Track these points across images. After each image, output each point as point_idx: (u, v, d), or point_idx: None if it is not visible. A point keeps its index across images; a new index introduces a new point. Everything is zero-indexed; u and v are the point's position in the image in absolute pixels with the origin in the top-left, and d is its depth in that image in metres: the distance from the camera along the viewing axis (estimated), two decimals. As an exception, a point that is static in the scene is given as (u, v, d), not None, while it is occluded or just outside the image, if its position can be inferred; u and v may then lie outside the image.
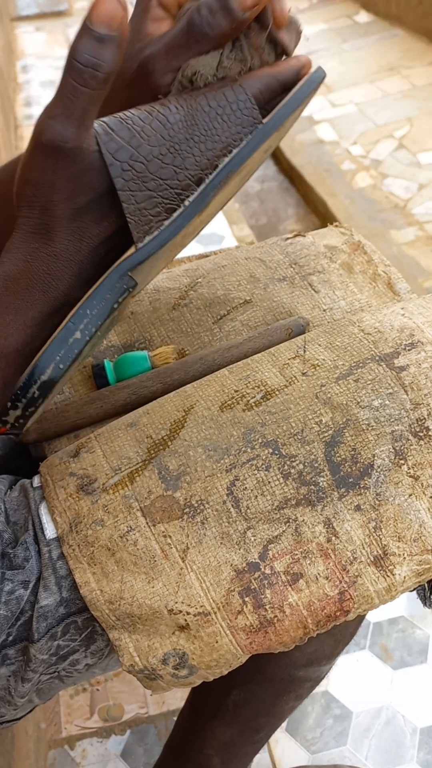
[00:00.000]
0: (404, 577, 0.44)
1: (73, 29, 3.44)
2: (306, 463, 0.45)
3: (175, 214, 0.41)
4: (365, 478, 0.44)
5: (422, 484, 0.44)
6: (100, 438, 0.49)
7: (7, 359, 0.40)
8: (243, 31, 0.42)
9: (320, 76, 0.43)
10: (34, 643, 0.45)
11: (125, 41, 0.36)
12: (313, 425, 0.46)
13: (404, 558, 0.44)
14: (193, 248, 1.65)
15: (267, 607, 0.43)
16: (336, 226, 0.68)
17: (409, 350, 0.48)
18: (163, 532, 0.44)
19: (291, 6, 0.43)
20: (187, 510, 0.44)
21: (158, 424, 0.48)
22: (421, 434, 0.45)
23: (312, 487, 0.44)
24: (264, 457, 0.45)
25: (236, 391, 0.48)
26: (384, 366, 0.48)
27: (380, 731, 0.94)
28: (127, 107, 0.42)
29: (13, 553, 0.46)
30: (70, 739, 0.98)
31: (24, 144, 2.48)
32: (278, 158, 2.24)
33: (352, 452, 0.45)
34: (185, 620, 0.43)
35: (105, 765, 0.95)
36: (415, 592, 0.53)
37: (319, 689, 0.98)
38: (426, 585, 0.53)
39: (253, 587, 0.43)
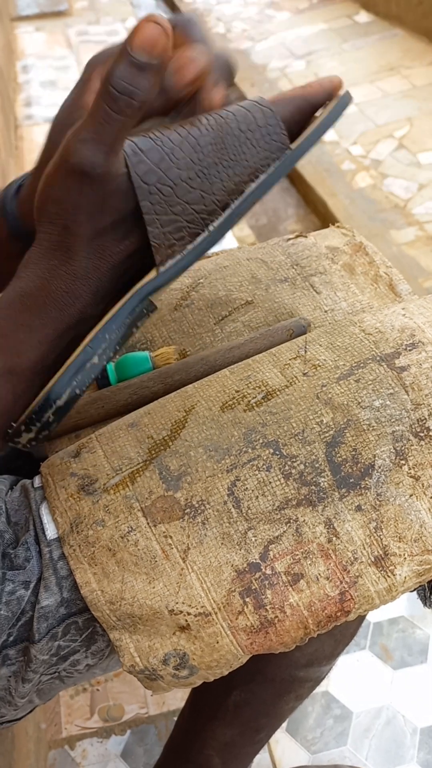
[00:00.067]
0: (405, 578, 0.44)
1: (73, 29, 3.44)
2: (307, 464, 0.45)
3: (198, 239, 0.40)
4: (366, 479, 0.44)
5: (423, 484, 0.45)
6: (101, 438, 0.49)
7: (19, 377, 0.39)
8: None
9: (349, 99, 0.42)
10: (35, 644, 0.45)
11: (165, 68, 0.35)
12: (314, 425, 0.46)
13: (405, 558, 0.44)
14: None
15: (268, 607, 0.43)
16: (338, 227, 0.68)
17: (410, 350, 0.48)
18: (164, 532, 0.44)
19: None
20: (188, 510, 0.44)
21: (159, 424, 0.48)
22: (421, 434, 0.45)
23: (313, 487, 0.44)
24: (265, 457, 0.45)
25: (237, 392, 0.48)
26: (385, 366, 0.48)
27: (380, 731, 0.94)
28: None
29: (14, 554, 0.46)
30: (71, 739, 0.98)
31: (24, 144, 2.48)
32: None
33: (353, 452, 0.45)
34: (186, 621, 0.43)
35: (105, 765, 0.95)
36: (415, 592, 0.53)
37: (319, 689, 0.98)
38: (426, 585, 0.53)
39: (253, 588, 0.43)
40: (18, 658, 0.46)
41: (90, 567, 0.45)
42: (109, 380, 0.57)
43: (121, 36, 3.31)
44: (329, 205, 1.88)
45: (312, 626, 0.44)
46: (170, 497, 0.45)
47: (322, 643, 0.63)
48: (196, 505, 0.45)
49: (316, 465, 0.45)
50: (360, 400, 0.46)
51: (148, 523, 0.45)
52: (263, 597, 0.43)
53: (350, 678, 1.00)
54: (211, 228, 0.40)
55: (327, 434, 0.45)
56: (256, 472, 0.45)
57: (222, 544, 0.44)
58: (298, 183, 2.11)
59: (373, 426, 0.45)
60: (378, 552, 0.44)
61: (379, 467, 0.45)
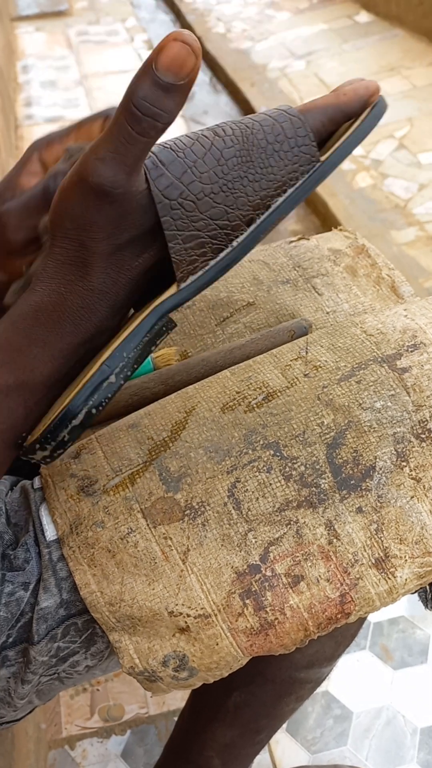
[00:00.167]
0: (406, 580, 0.44)
1: (73, 29, 3.44)
2: (307, 465, 0.45)
3: (221, 254, 0.38)
4: (367, 480, 0.44)
5: (424, 486, 0.44)
6: (101, 439, 0.49)
7: (32, 391, 0.38)
8: None
9: (384, 108, 0.40)
10: (34, 645, 0.45)
11: (191, 87, 0.33)
12: (315, 427, 0.46)
13: (406, 560, 0.44)
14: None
15: (268, 609, 0.43)
16: (340, 230, 0.67)
17: (411, 352, 0.48)
18: (164, 533, 0.44)
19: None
20: (188, 512, 0.44)
21: (159, 425, 0.48)
22: (423, 436, 0.45)
23: (313, 489, 0.44)
24: (265, 458, 0.45)
25: (238, 393, 0.48)
26: (386, 367, 0.48)
27: (380, 731, 0.94)
28: None
29: (14, 555, 0.46)
30: (71, 739, 0.98)
31: (24, 144, 2.48)
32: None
33: (354, 454, 0.45)
34: (185, 622, 0.43)
35: (105, 765, 0.95)
36: (416, 594, 0.53)
37: (319, 689, 0.98)
38: (427, 587, 0.53)
39: (253, 589, 0.43)
40: (17, 659, 0.46)
41: (89, 568, 0.44)
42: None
43: (121, 36, 3.31)
44: (329, 205, 1.88)
45: (312, 628, 0.44)
46: (170, 499, 0.45)
47: (323, 644, 0.63)
48: (196, 507, 0.44)
49: (317, 466, 0.45)
50: (361, 402, 0.46)
51: (147, 525, 0.44)
52: (263, 599, 0.43)
53: (350, 678, 1.00)
54: (234, 243, 0.38)
55: (328, 436, 0.45)
56: (257, 473, 0.45)
57: (222, 545, 0.44)
58: (298, 183, 2.10)
59: (374, 427, 0.45)
60: (379, 554, 0.44)
61: (380, 469, 0.44)
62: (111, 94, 2.73)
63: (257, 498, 0.44)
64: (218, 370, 0.54)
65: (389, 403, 0.46)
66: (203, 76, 2.85)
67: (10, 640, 0.45)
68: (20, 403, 0.38)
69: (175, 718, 0.94)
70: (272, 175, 0.38)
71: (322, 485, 0.44)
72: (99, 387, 0.36)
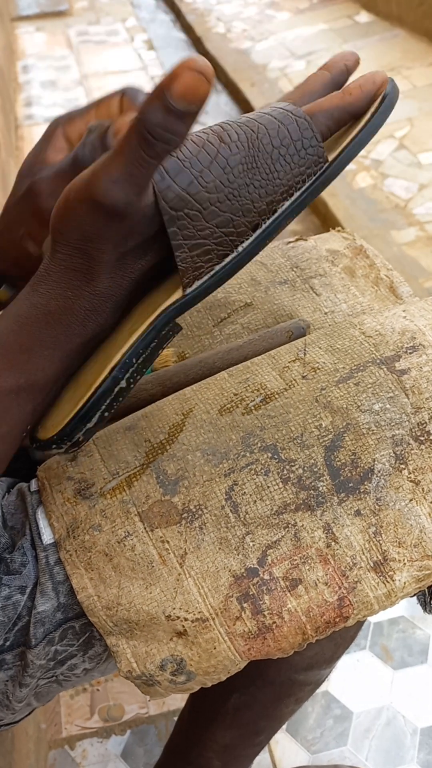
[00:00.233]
0: (404, 583, 0.44)
1: (73, 29, 3.44)
2: (305, 468, 0.44)
3: (227, 259, 0.38)
4: (365, 483, 0.44)
5: (423, 488, 0.44)
6: (98, 441, 0.49)
7: (40, 390, 0.40)
8: None
9: (394, 99, 0.39)
10: (32, 649, 0.45)
11: (203, 108, 0.33)
12: (313, 429, 0.45)
13: (404, 564, 0.43)
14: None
15: (265, 613, 0.43)
16: (338, 230, 0.67)
17: (410, 353, 0.48)
18: (161, 537, 0.44)
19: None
20: (186, 515, 0.44)
21: (157, 427, 0.48)
22: (422, 438, 0.45)
23: (311, 491, 0.44)
24: (263, 461, 0.45)
25: (235, 395, 0.48)
26: (385, 369, 0.47)
27: (381, 732, 0.94)
28: (13, 225, 0.43)
29: (10, 558, 0.45)
30: (71, 739, 0.97)
31: (24, 144, 2.48)
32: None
33: (352, 456, 0.45)
34: (183, 626, 0.43)
35: (105, 765, 0.95)
36: (415, 597, 0.53)
37: (319, 690, 0.98)
38: (426, 591, 0.53)
39: (251, 593, 0.43)
40: (15, 662, 0.46)
41: (86, 572, 0.44)
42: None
43: (121, 36, 3.31)
44: (330, 206, 1.88)
45: (310, 632, 0.43)
46: (167, 502, 0.45)
47: (322, 646, 0.63)
48: (194, 510, 0.44)
49: (315, 469, 0.44)
50: (359, 404, 0.46)
51: (145, 528, 0.44)
52: (261, 602, 0.43)
53: (350, 678, 0.99)
54: (240, 248, 0.38)
55: (326, 438, 0.45)
56: (254, 476, 0.45)
57: (219, 549, 0.43)
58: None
59: (372, 430, 0.45)
60: (377, 557, 0.43)
61: (379, 471, 0.44)
62: (111, 94, 2.72)
63: (255, 501, 0.44)
64: (216, 372, 0.53)
65: (388, 405, 0.46)
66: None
67: (8, 643, 0.45)
68: (29, 402, 0.40)
69: (175, 719, 0.94)
70: (278, 180, 0.38)
71: (320, 488, 0.44)
72: (110, 393, 0.38)
